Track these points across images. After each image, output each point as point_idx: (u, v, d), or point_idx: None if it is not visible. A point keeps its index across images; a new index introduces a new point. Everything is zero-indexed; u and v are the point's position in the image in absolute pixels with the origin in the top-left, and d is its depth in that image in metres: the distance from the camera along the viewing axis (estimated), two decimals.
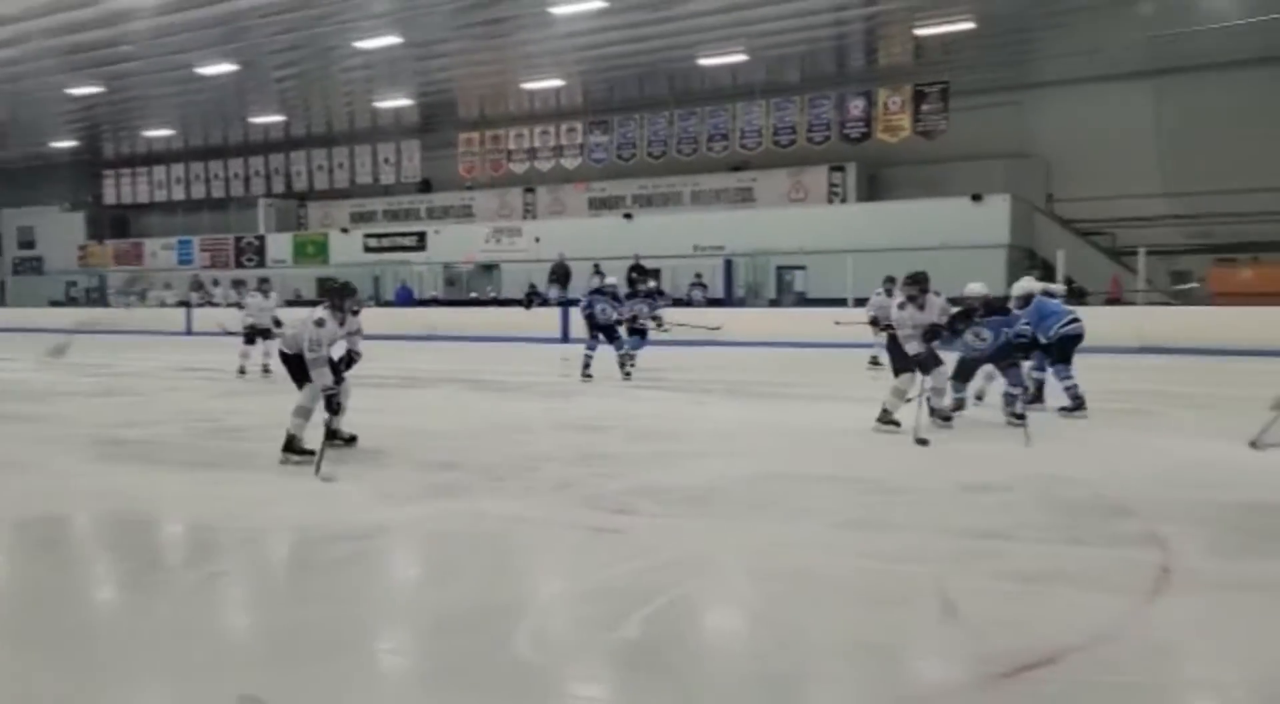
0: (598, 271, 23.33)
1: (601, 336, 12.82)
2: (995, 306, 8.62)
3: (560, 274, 23.92)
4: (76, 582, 4.48)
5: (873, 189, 24.47)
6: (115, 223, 35.38)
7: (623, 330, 12.94)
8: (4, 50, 20.57)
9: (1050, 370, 9.12)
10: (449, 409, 10.47)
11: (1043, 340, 8.96)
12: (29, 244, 36.63)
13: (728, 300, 22.52)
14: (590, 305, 12.97)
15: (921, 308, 7.88)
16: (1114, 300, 17.95)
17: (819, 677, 3.29)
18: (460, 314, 24.34)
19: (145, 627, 3.81)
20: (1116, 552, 4.57)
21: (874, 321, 13.07)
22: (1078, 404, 8.87)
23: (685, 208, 25.69)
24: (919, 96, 21.61)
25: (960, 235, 19.11)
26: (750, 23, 18.98)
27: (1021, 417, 7.89)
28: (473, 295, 26.28)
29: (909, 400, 7.85)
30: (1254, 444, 7.02)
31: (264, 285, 13.94)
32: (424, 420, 9.38)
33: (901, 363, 8.09)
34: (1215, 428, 7.89)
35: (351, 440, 7.51)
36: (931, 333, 7.89)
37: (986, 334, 8.35)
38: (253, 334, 13.31)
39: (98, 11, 18.02)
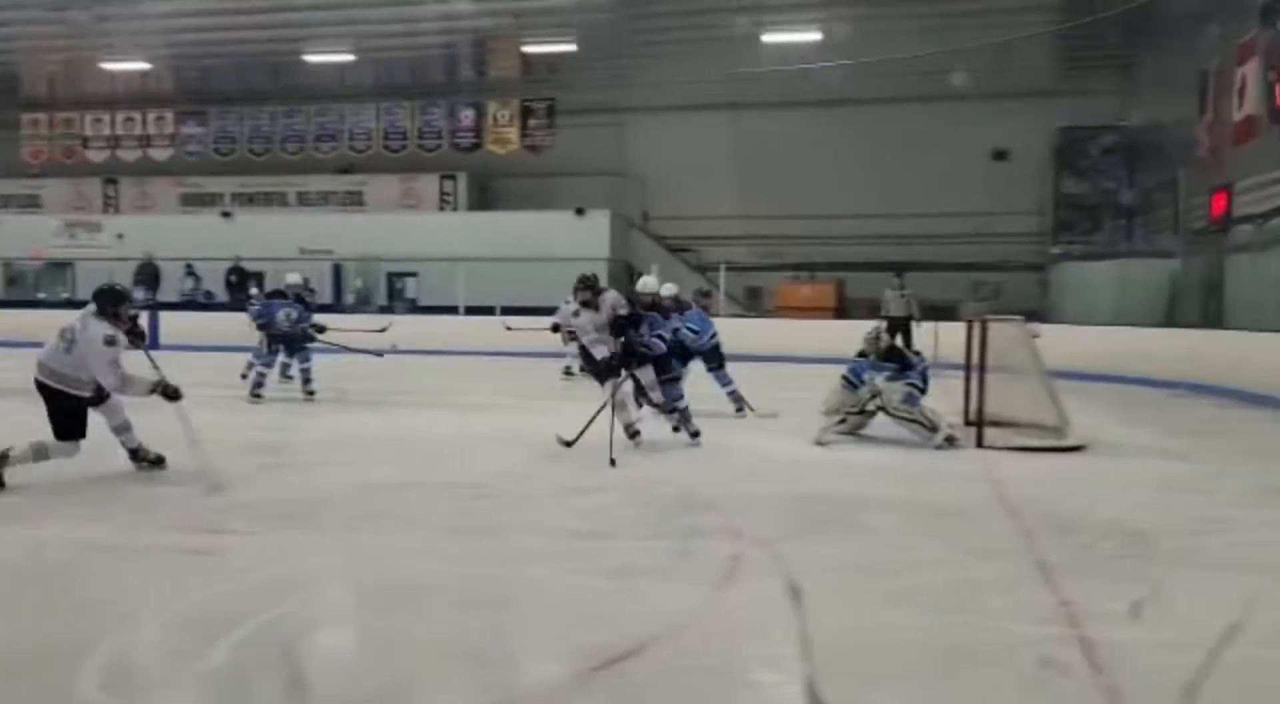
0: (190, 273, 21.71)
1: (281, 348, 11.14)
2: (661, 307, 8.35)
3: (147, 275, 21.86)
4: None
5: (484, 199, 24.83)
6: None
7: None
8: None
9: (713, 376, 9.54)
10: (4, 424, 9.19)
11: (689, 345, 9.21)
12: None
13: (337, 306, 21.77)
14: (268, 311, 11.02)
15: (597, 309, 7.79)
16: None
17: (421, 687, 3.29)
18: (24, 317, 21.42)
19: None
20: (698, 544, 4.99)
21: (555, 328, 12.88)
22: (741, 406, 9.49)
23: (291, 209, 24.56)
24: (527, 112, 22.27)
25: (565, 248, 19.89)
26: (357, 22, 18.58)
27: (696, 434, 7.96)
28: (41, 297, 23.26)
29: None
30: (818, 442, 7.99)
31: None
32: None
33: (595, 369, 7.84)
34: (785, 428, 8.83)
35: (159, 462, 6.50)
36: (617, 327, 7.66)
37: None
38: None
39: None
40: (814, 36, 18.06)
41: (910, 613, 3.94)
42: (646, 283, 8.44)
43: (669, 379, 8.05)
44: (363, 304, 22.15)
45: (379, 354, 11.72)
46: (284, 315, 10.85)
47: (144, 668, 3.47)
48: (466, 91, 22.78)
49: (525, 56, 20.58)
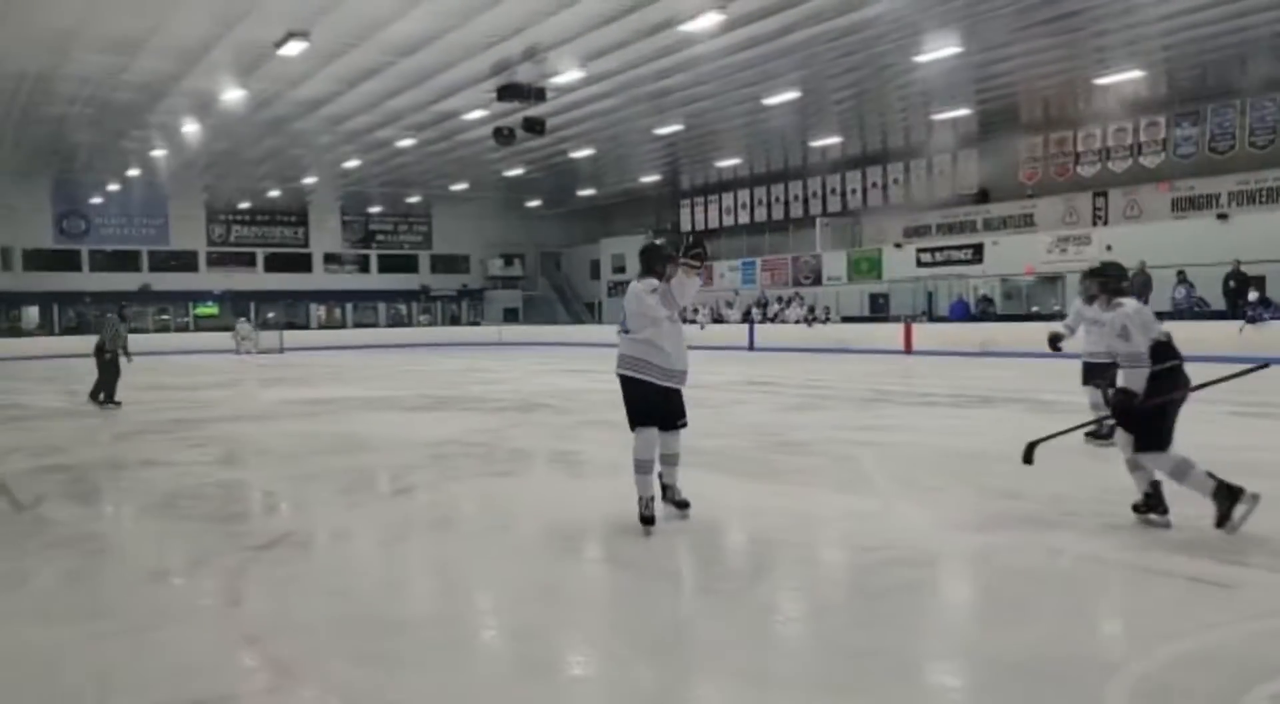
0: (1183, 280, 20.84)
1: None
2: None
3: (1140, 284, 21.57)
4: (630, 585, 4.71)
5: None
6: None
7: None
8: (606, 101, 23.61)
9: None
10: (1006, 431, 9.77)
11: None
12: (621, 269, 41.85)
13: None
14: None
15: None
16: None
17: None
18: (1019, 329, 23.08)
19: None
20: None
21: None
22: None
23: None
24: None
25: None
26: None
27: None
28: (1034, 309, 24.76)
29: None
30: None
31: None
32: (978, 442, 8.86)
33: None
34: None
35: None
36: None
37: None
38: None
39: (679, 58, 19.85)
40: None
41: None
42: None
43: None
44: None
45: None
46: None
47: (1166, 699, 3.15)
48: None
49: None
